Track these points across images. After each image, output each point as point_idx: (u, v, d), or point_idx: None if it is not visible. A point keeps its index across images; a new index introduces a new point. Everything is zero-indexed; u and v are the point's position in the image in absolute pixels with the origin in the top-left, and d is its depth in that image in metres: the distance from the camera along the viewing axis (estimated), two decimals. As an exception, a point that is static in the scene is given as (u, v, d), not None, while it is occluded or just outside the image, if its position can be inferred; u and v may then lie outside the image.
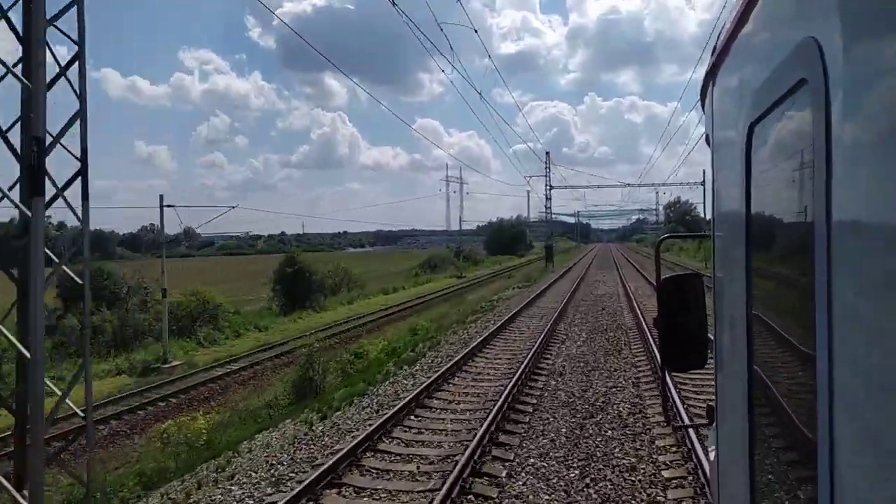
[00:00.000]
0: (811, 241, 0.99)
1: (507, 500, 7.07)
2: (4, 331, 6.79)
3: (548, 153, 54.44)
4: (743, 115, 1.49)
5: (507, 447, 8.72)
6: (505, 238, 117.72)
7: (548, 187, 54.55)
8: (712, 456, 2.29)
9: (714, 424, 2.24)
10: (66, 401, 7.39)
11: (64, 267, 7.66)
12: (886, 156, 0.79)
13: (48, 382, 6.96)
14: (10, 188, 6.77)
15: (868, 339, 0.86)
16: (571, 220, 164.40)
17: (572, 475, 7.67)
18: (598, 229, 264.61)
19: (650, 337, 15.19)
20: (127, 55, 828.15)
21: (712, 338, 2.11)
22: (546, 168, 54.29)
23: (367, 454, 8.57)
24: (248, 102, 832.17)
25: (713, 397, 2.22)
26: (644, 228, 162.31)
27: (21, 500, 6.28)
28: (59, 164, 7.29)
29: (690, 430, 7.94)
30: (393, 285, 52.92)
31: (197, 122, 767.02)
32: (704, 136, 2.26)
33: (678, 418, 9.03)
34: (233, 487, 8.04)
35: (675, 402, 9.66)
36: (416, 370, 14.43)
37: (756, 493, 1.49)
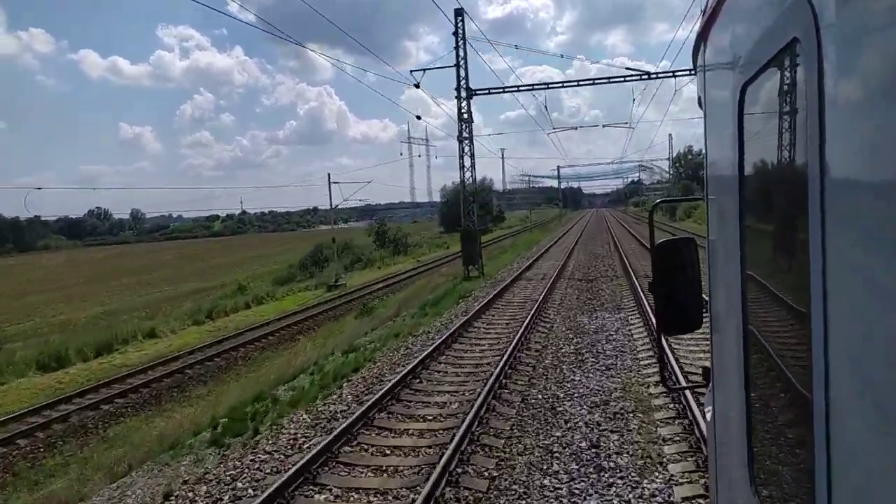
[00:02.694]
0: (805, 200, 0.98)
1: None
2: None
3: (459, 11, 23.66)
4: (735, 76, 1.46)
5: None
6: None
7: (462, 90, 24.29)
8: (709, 416, 2.25)
9: (710, 385, 2.20)
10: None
11: None
12: (879, 113, 0.80)
13: None
14: None
15: (863, 296, 0.85)
16: (563, 183, 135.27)
17: None
18: (591, 194, 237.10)
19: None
20: (105, 35, 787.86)
21: (707, 299, 2.09)
22: (456, 41, 23.92)
23: None
24: (231, 78, 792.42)
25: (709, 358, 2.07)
26: (642, 190, 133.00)
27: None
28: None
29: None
30: (150, 326, 23.93)
31: (181, 101, 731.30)
32: (697, 98, 2.18)
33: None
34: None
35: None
36: None
37: (753, 451, 1.47)
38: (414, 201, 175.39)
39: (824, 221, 0.93)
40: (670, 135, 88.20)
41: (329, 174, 34.86)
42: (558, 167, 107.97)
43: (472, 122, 24.92)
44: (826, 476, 0.95)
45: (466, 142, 25.11)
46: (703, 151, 2.03)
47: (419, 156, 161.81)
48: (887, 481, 0.79)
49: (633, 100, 27.20)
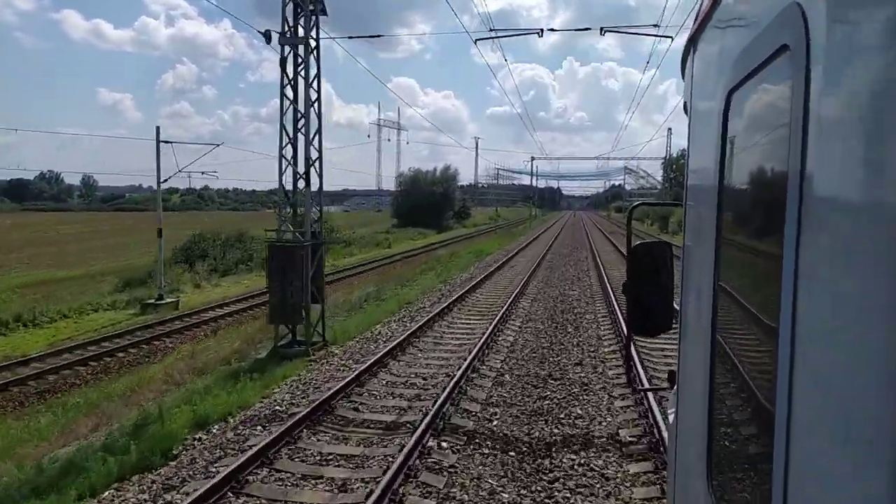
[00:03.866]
0: (782, 212, 0.97)
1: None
2: None
3: None
4: (721, 82, 1.46)
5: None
6: (421, 200, 74.09)
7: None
8: (671, 419, 2.26)
9: (675, 388, 2.22)
10: None
11: None
12: (864, 126, 0.79)
13: None
14: None
15: (832, 312, 0.85)
16: (542, 182, 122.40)
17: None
18: (570, 195, 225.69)
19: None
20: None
21: (678, 305, 2.11)
22: None
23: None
24: (216, 51, 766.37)
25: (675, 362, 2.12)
26: (624, 194, 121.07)
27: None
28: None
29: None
30: None
31: (163, 70, 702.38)
32: (682, 103, 2.18)
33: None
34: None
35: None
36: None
37: (713, 456, 1.48)
38: (381, 188, 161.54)
39: (799, 235, 0.93)
40: (669, 129, 75.62)
41: (157, 127, 21.79)
42: (532, 157, 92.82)
43: (318, 26, 11.61)
44: (783, 483, 0.95)
45: (302, 68, 11.73)
46: (686, 157, 2.02)
47: (388, 140, 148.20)
48: (841, 489, 0.81)
49: None
